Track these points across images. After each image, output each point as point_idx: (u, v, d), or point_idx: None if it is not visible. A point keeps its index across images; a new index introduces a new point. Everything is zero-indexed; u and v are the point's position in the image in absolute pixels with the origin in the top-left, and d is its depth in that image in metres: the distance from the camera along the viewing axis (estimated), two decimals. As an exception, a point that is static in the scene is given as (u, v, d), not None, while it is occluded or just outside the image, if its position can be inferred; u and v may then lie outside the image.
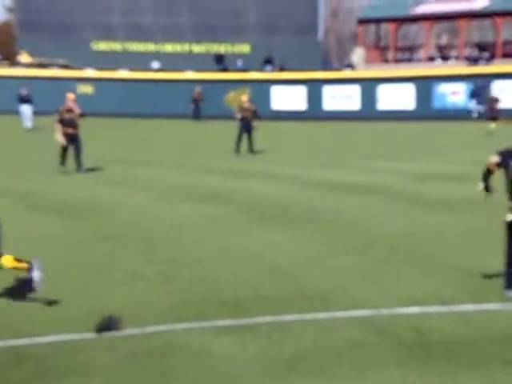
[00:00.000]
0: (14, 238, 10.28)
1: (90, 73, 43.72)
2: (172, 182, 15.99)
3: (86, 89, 43.08)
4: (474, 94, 40.03)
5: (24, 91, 32.37)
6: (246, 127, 22.43)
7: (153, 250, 9.76)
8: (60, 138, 16.94)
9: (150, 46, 46.58)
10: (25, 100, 32.09)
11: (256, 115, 22.57)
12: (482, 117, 38.34)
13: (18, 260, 6.85)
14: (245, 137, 22.46)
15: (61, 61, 44.23)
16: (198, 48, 46.47)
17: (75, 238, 10.41)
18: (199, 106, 40.28)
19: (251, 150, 22.19)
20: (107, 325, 6.52)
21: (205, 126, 35.96)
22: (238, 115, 22.66)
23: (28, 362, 5.89)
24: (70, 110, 17.01)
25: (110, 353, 6.07)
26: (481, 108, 39.44)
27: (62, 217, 12.04)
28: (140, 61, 44.54)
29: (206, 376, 5.64)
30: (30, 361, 5.92)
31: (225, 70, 44.59)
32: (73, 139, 17.00)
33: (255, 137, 22.63)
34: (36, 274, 6.58)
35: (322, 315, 7.01)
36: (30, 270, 6.72)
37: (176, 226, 11.32)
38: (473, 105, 40.08)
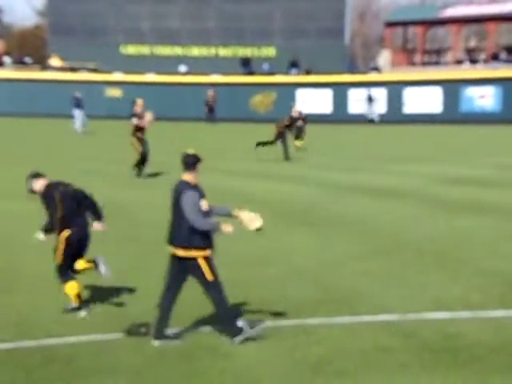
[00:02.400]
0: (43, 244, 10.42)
1: (118, 76, 44.09)
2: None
3: (115, 92, 43.46)
4: (369, 100, 39.79)
5: (79, 94, 32.21)
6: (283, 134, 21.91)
7: (179, 252, 9.78)
8: (150, 117, 17.41)
9: (178, 50, 46.84)
10: (79, 104, 31.81)
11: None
12: (383, 121, 38.12)
13: (88, 261, 7.32)
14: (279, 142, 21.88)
15: (90, 64, 44.67)
16: (224, 51, 46.62)
17: (103, 241, 10.47)
18: (213, 108, 40.59)
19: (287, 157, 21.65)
20: (136, 330, 6.56)
21: (227, 129, 36.02)
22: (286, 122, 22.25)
23: (55, 363, 5.95)
24: (141, 116, 17.50)
25: (137, 353, 6.11)
26: (378, 112, 39.28)
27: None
28: (167, 64, 44.81)
29: (230, 380, 5.65)
30: (57, 361, 5.98)
31: (251, 73, 44.66)
32: (142, 144, 17.63)
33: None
34: (103, 268, 7.17)
35: (347, 319, 6.98)
36: (96, 267, 7.23)
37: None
38: (370, 111, 39.86)
